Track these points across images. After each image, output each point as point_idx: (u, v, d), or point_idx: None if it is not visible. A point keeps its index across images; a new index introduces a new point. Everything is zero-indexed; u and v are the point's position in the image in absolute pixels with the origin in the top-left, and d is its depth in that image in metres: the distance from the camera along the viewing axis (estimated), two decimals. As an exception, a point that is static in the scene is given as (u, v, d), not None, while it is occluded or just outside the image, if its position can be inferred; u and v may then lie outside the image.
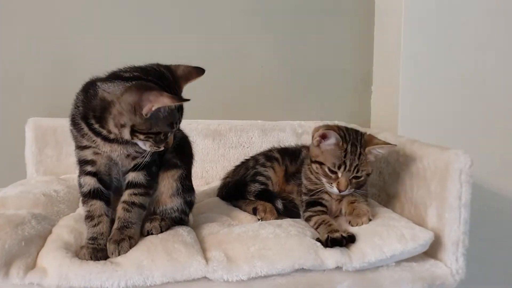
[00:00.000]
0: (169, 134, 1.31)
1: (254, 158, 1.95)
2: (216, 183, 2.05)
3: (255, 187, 1.80)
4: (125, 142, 1.30)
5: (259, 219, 1.64)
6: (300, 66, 2.42)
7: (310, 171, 1.67)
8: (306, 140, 2.25)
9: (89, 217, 1.33)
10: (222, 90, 2.34)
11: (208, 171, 2.22)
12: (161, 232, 1.38)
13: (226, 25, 2.31)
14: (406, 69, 2.15)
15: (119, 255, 1.26)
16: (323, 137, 1.58)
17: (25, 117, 2.09)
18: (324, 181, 1.60)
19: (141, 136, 1.26)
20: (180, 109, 1.32)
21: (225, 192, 1.92)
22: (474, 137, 2.16)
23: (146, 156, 1.34)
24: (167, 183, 1.45)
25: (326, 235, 1.40)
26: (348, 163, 1.54)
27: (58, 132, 2.09)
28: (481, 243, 1.76)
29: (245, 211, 1.75)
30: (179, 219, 1.47)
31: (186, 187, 1.47)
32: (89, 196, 1.35)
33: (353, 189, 1.58)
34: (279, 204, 1.73)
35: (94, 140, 1.30)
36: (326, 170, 1.57)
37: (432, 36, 2.15)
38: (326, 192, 1.63)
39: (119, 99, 1.22)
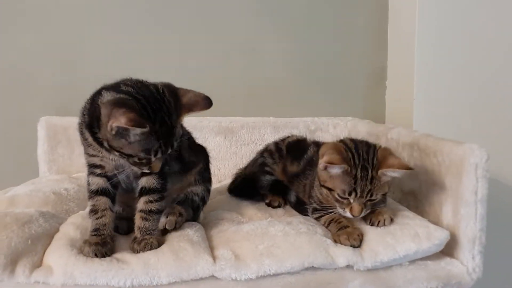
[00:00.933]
0: (152, 159, 1.25)
1: (265, 149, 1.93)
2: (228, 180, 2.03)
3: (266, 180, 1.79)
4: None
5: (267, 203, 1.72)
6: (313, 62, 2.39)
7: (320, 193, 1.55)
8: (319, 136, 2.22)
9: (93, 211, 1.33)
10: (233, 87, 2.32)
11: (220, 169, 2.21)
12: (175, 229, 1.37)
13: (238, 21, 2.30)
14: (420, 63, 2.11)
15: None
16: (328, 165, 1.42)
17: (37, 116, 2.11)
18: (337, 205, 1.46)
19: (116, 153, 1.23)
20: (164, 138, 1.23)
21: (233, 186, 1.90)
22: (490, 131, 2.09)
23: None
24: (190, 176, 1.51)
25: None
26: (359, 190, 1.40)
27: (70, 131, 2.09)
28: (499, 240, 1.71)
29: None
30: (197, 206, 1.50)
31: (204, 178, 1.55)
32: (96, 193, 1.35)
33: (369, 210, 1.45)
34: (292, 197, 1.72)
35: (99, 150, 1.30)
36: (337, 196, 1.43)
37: (447, 30, 2.10)
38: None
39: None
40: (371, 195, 1.42)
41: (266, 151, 1.89)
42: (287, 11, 2.33)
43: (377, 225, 1.43)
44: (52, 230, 1.35)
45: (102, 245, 1.25)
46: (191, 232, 1.37)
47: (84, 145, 1.35)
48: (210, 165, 1.63)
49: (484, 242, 1.36)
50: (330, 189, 1.45)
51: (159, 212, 1.36)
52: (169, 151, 1.26)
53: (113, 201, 1.36)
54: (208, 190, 1.58)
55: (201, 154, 1.60)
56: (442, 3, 2.10)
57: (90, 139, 1.28)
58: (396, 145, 1.78)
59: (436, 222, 1.47)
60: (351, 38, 2.40)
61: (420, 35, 2.11)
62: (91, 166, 1.36)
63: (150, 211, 1.34)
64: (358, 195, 1.40)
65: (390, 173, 1.43)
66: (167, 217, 1.37)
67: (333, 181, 1.44)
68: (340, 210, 1.46)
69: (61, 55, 2.17)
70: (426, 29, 2.11)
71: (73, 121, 2.06)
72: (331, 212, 1.49)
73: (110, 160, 1.32)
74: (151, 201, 1.35)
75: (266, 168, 1.83)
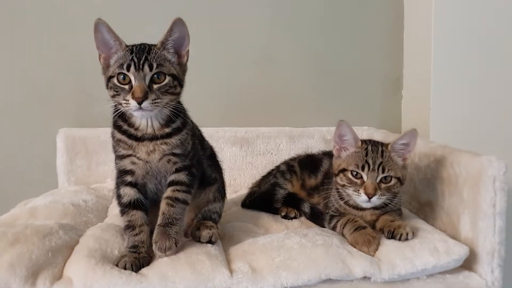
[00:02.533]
0: (131, 78, 1.25)
1: (277, 168, 1.95)
2: (244, 191, 2.04)
3: (280, 194, 1.81)
4: (153, 138, 1.32)
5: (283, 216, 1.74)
6: (329, 71, 2.40)
7: (338, 192, 1.59)
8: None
9: (130, 226, 1.34)
10: (249, 97, 2.34)
11: (236, 179, 2.22)
12: (210, 241, 1.38)
13: (253, 31, 2.31)
14: (437, 72, 2.10)
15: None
16: (340, 137, 1.54)
17: (56, 127, 2.15)
18: (351, 191, 1.49)
19: (111, 85, 1.28)
20: (137, 52, 1.27)
21: (249, 201, 1.91)
22: (509, 142, 2.07)
23: (188, 156, 1.37)
24: (208, 193, 1.53)
25: None
26: (371, 162, 1.46)
27: (88, 142, 2.14)
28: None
29: None
30: (215, 222, 1.50)
31: (221, 194, 1.58)
32: (129, 206, 1.36)
33: (384, 197, 1.46)
34: (306, 208, 1.73)
35: (129, 145, 1.32)
36: (350, 176, 1.49)
37: (463, 39, 2.09)
38: (359, 217, 1.54)
39: None
40: (383, 170, 1.45)
41: (278, 172, 1.90)
42: (303, 21, 2.34)
43: (399, 239, 1.41)
44: (72, 242, 1.36)
45: (139, 259, 1.27)
46: (209, 244, 1.38)
47: (115, 148, 1.36)
48: (224, 180, 1.65)
49: (504, 255, 1.35)
50: (344, 170, 1.51)
51: (184, 202, 1.36)
52: (145, 69, 1.25)
53: (146, 213, 1.37)
54: (223, 205, 1.60)
55: (219, 170, 1.63)
56: (458, 12, 2.08)
57: (118, 134, 1.33)
58: (413, 155, 1.77)
59: (454, 234, 1.46)
60: (367, 47, 2.40)
61: (436, 44, 2.10)
62: (121, 173, 1.37)
63: (177, 199, 1.34)
64: (371, 167, 1.45)
65: (398, 144, 1.51)
66: (210, 229, 1.39)
67: (346, 161, 1.52)
68: (355, 197, 1.48)
69: (80, 67, 2.20)
70: (442, 38, 2.09)
71: (91, 133, 2.14)
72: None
73: (140, 161, 1.33)
74: (178, 190, 1.36)
75: (278, 187, 1.84)
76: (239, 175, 2.23)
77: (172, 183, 1.37)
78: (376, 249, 1.37)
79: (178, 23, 1.29)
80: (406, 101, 2.39)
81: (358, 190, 1.47)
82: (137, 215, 1.35)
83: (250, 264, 1.28)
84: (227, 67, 2.29)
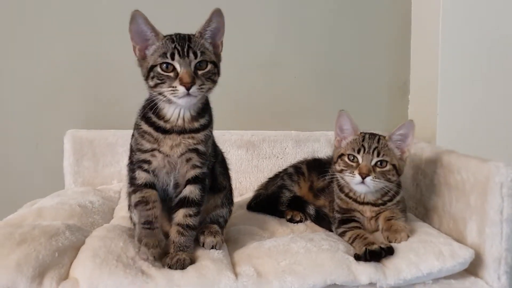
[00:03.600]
0: (175, 66, 1.27)
1: (285, 170, 1.95)
2: (250, 194, 2.04)
3: (285, 197, 1.81)
4: (182, 131, 1.33)
5: (288, 219, 1.74)
6: (335, 76, 2.40)
7: (338, 185, 1.64)
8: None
9: (143, 202, 1.35)
10: (255, 101, 2.34)
11: (242, 182, 2.22)
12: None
13: (260, 35, 2.32)
14: (444, 78, 2.10)
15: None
16: (340, 128, 1.62)
17: (64, 129, 2.16)
18: (347, 174, 1.53)
19: (151, 74, 1.29)
20: (179, 41, 1.29)
21: (254, 203, 1.91)
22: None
23: (206, 162, 1.39)
24: (217, 199, 1.54)
25: (363, 248, 1.35)
26: (366, 145, 1.52)
27: (95, 144, 2.15)
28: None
29: None
30: (221, 226, 1.51)
31: (229, 200, 1.59)
32: (143, 186, 1.37)
33: (378, 181, 1.49)
34: (311, 210, 1.74)
35: (155, 138, 1.32)
36: (346, 159, 1.55)
37: (470, 44, 2.09)
38: (359, 211, 1.59)
39: None
40: (378, 154, 1.50)
41: (285, 174, 1.91)
42: (310, 25, 2.34)
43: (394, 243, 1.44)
44: (78, 243, 1.37)
45: (159, 245, 1.29)
46: (212, 250, 1.38)
47: (137, 141, 1.36)
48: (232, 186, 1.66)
49: (511, 262, 1.34)
50: (342, 156, 1.57)
51: (195, 228, 1.37)
52: (190, 56, 1.27)
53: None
54: (231, 211, 1.61)
55: (228, 177, 1.63)
56: (466, 17, 2.08)
57: (145, 126, 1.34)
58: (419, 161, 1.77)
59: (460, 240, 1.45)
60: (374, 52, 2.40)
61: (443, 49, 2.10)
62: (140, 162, 1.37)
63: (188, 226, 1.35)
64: (366, 150, 1.51)
65: (396, 135, 1.55)
66: (214, 237, 1.39)
67: (345, 148, 1.59)
68: (350, 180, 1.52)
69: (88, 69, 2.22)
70: (449, 42, 2.09)
71: (98, 135, 2.15)
72: (352, 218, 1.57)
73: (162, 154, 1.33)
74: (190, 215, 1.36)
75: (285, 189, 1.85)
76: (245, 178, 2.23)
77: (184, 203, 1.37)
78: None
79: (217, 14, 1.33)
80: (413, 106, 2.39)
81: (353, 172, 1.51)
82: (151, 192, 1.36)
83: (256, 267, 1.28)
84: (234, 71, 2.28)
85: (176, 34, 1.31)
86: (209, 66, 1.30)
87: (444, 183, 1.61)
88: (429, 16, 2.19)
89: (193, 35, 1.33)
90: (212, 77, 1.31)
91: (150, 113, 1.34)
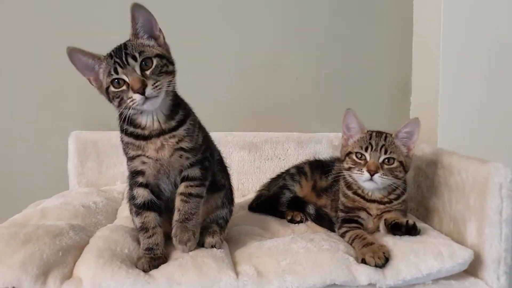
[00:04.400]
0: (123, 78, 1.26)
1: (287, 171, 1.96)
2: (252, 195, 2.05)
3: (285, 197, 1.82)
4: (161, 133, 1.33)
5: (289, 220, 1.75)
6: (337, 77, 2.41)
7: (345, 183, 1.65)
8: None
9: (143, 228, 1.36)
10: (257, 102, 2.36)
11: (244, 184, 2.24)
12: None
13: (261, 37, 2.34)
14: (445, 79, 2.10)
15: (189, 252, 1.33)
16: (347, 126, 1.64)
17: (68, 130, 2.19)
18: (355, 172, 1.55)
19: (109, 95, 1.30)
20: (116, 53, 1.28)
21: (255, 204, 1.93)
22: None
23: (198, 152, 1.39)
24: (217, 199, 1.54)
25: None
26: (374, 143, 1.55)
27: (99, 145, 2.18)
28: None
29: None
30: (221, 227, 1.52)
31: (229, 200, 1.60)
32: (143, 207, 1.38)
33: (386, 178, 1.51)
34: (311, 210, 1.75)
35: (138, 145, 1.34)
36: (354, 157, 1.57)
37: (472, 46, 2.09)
38: (365, 210, 1.60)
39: None
40: (386, 152, 1.53)
41: (287, 174, 1.93)
42: (311, 27, 2.35)
43: (405, 231, 1.47)
44: (82, 243, 1.39)
45: (155, 259, 1.30)
46: (215, 248, 1.39)
47: (125, 151, 1.38)
48: (232, 186, 1.67)
49: (510, 263, 1.35)
50: (349, 153, 1.60)
51: (198, 196, 1.38)
52: (130, 62, 1.26)
53: (160, 214, 1.39)
54: (231, 211, 1.61)
55: (227, 176, 1.64)
56: (467, 18, 2.09)
57: (126, 138, 1.36)
58: (420, 162, 1.78)
59: (460, 241, 1.46)
60: (375, 53, 2.41)
61: (445, 51, 2.10)
62: (133, 174, 1.38)
63: (190, 194, 1.37)
64: (373, 148, 1.53)
65: (402, 133, 1.57)
66: (212, 237, 1.40)
67: (352, 146, 1.61)
68: (358, 177, 1.55)
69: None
70: (451, 44, 2.10)
71: (102, 136, 2.17)
72: (356, 218, 1.58)
73: (150, 160, 1.34)
74: (191, 186, 1.38)
75: (285, 189, 1.86)
76: (247, 180, 2.25)
77: (185, 179, 1.39)
78: (384, 258, 1.35)
79: (136, 9, 1.29)
80: (415, 107, 2.40)
81: (362, 169, 1.53)
82: (150, 217, 1.37)
83: (256, 267, 1.29)
84: (235, 73, 2.31)
85: (113, 49, 1.31)
86: (155, 61, 1.28)
87: (444, 184, 1.62)
88: (431, 17, 2.20)
89: (128, 40, 1.32)
90: (164, 69, 1.29)
91: (125, 125, 1.33)
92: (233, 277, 1.24)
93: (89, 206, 1.75)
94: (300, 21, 2.35)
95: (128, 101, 1.25)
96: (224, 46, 2.29)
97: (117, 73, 1.26)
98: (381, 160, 1.53)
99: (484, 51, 2.10)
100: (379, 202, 1.59)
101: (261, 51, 2.34)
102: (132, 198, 1.41)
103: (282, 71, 2.37)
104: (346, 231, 1.54)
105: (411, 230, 1.46)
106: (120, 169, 2.18)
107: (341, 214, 1.63)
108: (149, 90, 1.24)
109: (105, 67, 1.29)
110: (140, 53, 1.27)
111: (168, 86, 1.30)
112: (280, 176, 1.99)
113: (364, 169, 1.52)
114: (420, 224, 1.61)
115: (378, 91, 2.43)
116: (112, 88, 1.28)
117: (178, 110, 1.37)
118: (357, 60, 2.40)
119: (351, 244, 1.48)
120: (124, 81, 1.26)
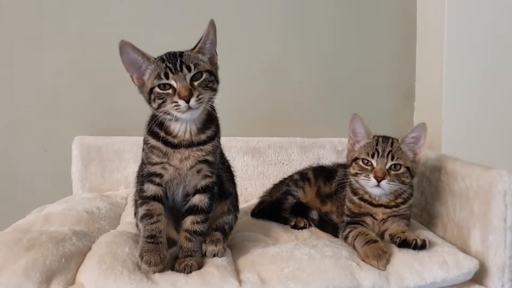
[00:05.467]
0: (172, 84, 1.29)
1: (290, 177, 1.96)
2: (255, 201, 2.05)
3: (288, 203, 1.82)
4: (190, 144, 1.35)
5: (292, 226, 1.74)
6: (340, 82, 2.41)
7: (351, 188, 1.65)
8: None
9: (148, 215, 1.36)
10: (261, 107, 2.36)
11: (247, 189, 2.23)
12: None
13: (265, 42, 2.34)
14: (449, 85, 2.10)
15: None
16: (353, 132, 1.64)
17: (72, 135, 2.19)
18: (362, 178, 1.55)
19: (152, 96, 1.31)
20: (169, 59, 1.32)
21: (258, 210, 1.92)
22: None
23: (215, 171, 1.41)
24: (224, 205, 1.55)
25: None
26: (380, 149, 1.54)
27: (103, 150, 2.18)
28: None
29: None
30: (226, 233, 1.52)
31: (235, 206, 1.61)
32: (150, 198, 1.38)
33: (393, 184, 1.50)
34: (314, 215, 1.75)
35: (164, 152, 1.35)
36: (361, 163, 1.57)
37: (476, 51, 2.09)
38: (370, 215, 1.59)
39: None
40: (393, 158, 1.52)
41: (291, 180, 1.92)
42: (315, 32, 2.36)
43: (413, 247, 1.43)
44: (85, 249, 1.39)
45: (162, 261, 1.29)
46: (217, 256, 1.38)
47: (147, 154, 1.38)
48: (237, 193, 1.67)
49: (516, 271, 1.34)
50: (356, 159, 1.59)
51: (202, 234, 1.39)
52: (184, 70, 1.29)
53: (165, 210, 1.39)
54: (236, 217, 1.62)
55: (234, 184, 1.65)
56: (471, 23, 2.08)
57: (153, 141, 1.36)
58: (424, 168, 1.78)
59: (464, 248, 1.45)
60: (379, 59, 2.41)
61: (449, 56, 2.10)
62: (151, 175, 1.38)
63: (195, 232, 1.37)
64: (380, 154, 1.53)
65: (409, 138, 1.56)
66: (215, 246, 1.40)
67: (359, 151, 1.60)
68: (365, 183, 1.54)
69: (96, 76, 2.24)
70: (455, 49, 2.10)
71: (106, 141, 2.18)
72: (361, 223, 1.57)
73: (171, 167, 1.35)
74: (197, 222, 1.38)
75: (289, 195, 1.86)
76: (250, 185, 2.25)
77: (192, 210, 1.39)
78: (387, 263, 1.36)
79: (213, 25, 1.37)
80: (418, 112, 2.39)
81: (368, 175, 1.53)
82: (157, 206, 1.37)
83: (259, 274, 1.29)
84: (239, 78, 2.31)
85: (166, 54, 1.34)
86: (205, 75, 1.32)
87: (448, 191, 1.61)
88: (434, 23, 2.20)
89: (185, 51, 1.35)
90: (210, 85, 1.33)
91: (156, 128, 1.35)
92: (236, 285, 1.23)
93: (92, 212, 1.75)
94: (304, 27, 2.35)
95: (172, 105, 1.28)
96: (226, 51, 2.29)
97: (167, 78, 1.29)
98: (388, 166, 1.52)
99: (488, 56, 2.10)
100: (386, 206, 1.58)
101: (264, 56, 2.34)
102: (140, 191, 1.41)
103: (286, 76, 2.37)
104: (349, 231, 1.53)
105: (419, 248, 1.42)
106: (123, 174, 2.19)
107: (346, 219, 1.63)
108: (193, 101, 1.27)
109: (153, 69, 1.32)
110: (195, 65, 1.32)
111: (208, 101, 1.33)
112: (283, 182, 1.98)
113: (371, 175, 1.52)
114: (424, 231, 1.61)
115: (382, 97, 2.42)
116: (157, 89, 1.30)
117: (211, 125, 1.40)
118: (360, 66, 2.40)
119: (353, 244, 1.47)
120: (171, 85, 1.29)
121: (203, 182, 1.39)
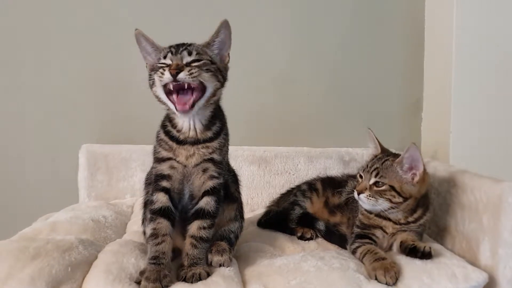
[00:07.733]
0: (166, 62, 1.32)
1: (298, 187, 1.95)
2: (261, 210, 2.04)
3: (295, 214, 1.81)
4: (196, 142, 1.37)
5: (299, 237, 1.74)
6: (348, 93, 2.41)
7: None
8: (354, 167, 2.21)
9: (154, 234, 1.35)
10: (268, 117, 2.36)
11: (254, 198, 2.22)
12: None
13: (273, 52, 2.34)
14: (457, 96, 2.09)
15: None
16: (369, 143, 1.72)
17: (79, 143, 2.20)
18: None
19: (153, 73, 1.33)
20: (175, 46, 1.35)
21: (264, 220, 1.91)
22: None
23: (223, 172, 1.41)
24: (231, 211, 1.54)
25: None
26: (369, 165, 1.59)
27: (109, 158, 2.18)
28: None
29: None
30: (232, 243, 1.51)
31: (241, 214, 1.60)
32: (158, 213, 1.37)
33: (373, 200, 1.51)
34: (321, 226, 1.74)
35: (170, 146, 1.36)
36: (358, 177, 1.63)
37: (484, 62, 2.08)
38: (381, 228, 1.58)
39: None
40: (376, 175, 1.53)
41: (298, 191, 1.91)
42: (323, 42, 2.36)
43: (421, 256, 1.44)
44: (91, 258, 1.38)
45: (161, 280, 1.25)
46: (223, 267, 1.37)
47: (156, 150, 1.41)
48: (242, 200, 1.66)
49: (525, 285, 1.33)
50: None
51: (208, 240, 1.38)
52: (184, 53, 1.31)
53: (173, 224, 1.38)
54: (242, 227, 1.60)
55: (239, 189, 1.64)
56: (479, 34, 2.08)
57: (162, 134, 1.40)
58: (432, 180, 1.76)
59: (473, 261, 1.44)
60: (387, 69, 2.41)
61: (457, 67, 2.09)
62: (159, 178, 1.39)
63: (201, 238, 1.36)
64: (366, 170, 1.58)
65: (404, 158, 1.51)
66: (221, 256, 1.39)
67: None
68: (355, 195, 1.58)
69: (103, 84, 2.25)
70: (463, 60, 2.09)
71: (112, 149, 2.19)
72: (371, 235, 1.56)
73: (179, 164, 1.36)
74: (203, 227, 1.37)
75: (296, 205, 1.85)
76: (257, 194, 2.24)
77: (199, 214, 1.38)
78: (395, 277, 1.33)
79: (225, 26, 1.38)
80: (426, 124, 2.38)
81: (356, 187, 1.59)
82: (163, 224, 1.35)
83: (266, 286, 1.28)
84: (247, 87, 2.31)
85: (175, 44, 1.37)
86: (205, 60, 1.33)
87: (457, 203, 1.60)
88: (442, 33, 2.19)
89: (194, 43, 1.38)
90: (212, 71, 1.34)
91: (167, 121, 1.40)
92: (242, 296, 1.22)
93: (98, 220, 1.75)
94: (312, 37, 2.35)
95: (158, 77, 1.30)
96: (234, 61, 2.29)
97: (165, 58, 1.32)
98: (371, 182, 1.54)
99: (497, 67, 2.09)
100: (394, 222, 1.57)
101: (273, 66, 2.34)
102: (150, 202, 1.40)
103: (293, 86, 2.37)
104: (358, 247, 1.51)
105: (426, 256, 1.43)
106: (129, 182, 2.19)
107: (356, 230, 1.62)
108: (183, 74, 1.27)
109: (160, 56, 1.35)
110: (198, 53, 1.33)
111: (214, 96, 1.37)
112: (290, 192, 1.97)
113: (356, 188, 1.58)
114: (432, 244, 1.59)
115: (390, 107, 2.42)
116: (155, 68, 1.32)
117: (216, 121, 1.42)
118: (368, 76, 2.40)
119: (362, 260, 1.45)
120: (167, 65, 1.31)
121: (210, 183, 1.39)
